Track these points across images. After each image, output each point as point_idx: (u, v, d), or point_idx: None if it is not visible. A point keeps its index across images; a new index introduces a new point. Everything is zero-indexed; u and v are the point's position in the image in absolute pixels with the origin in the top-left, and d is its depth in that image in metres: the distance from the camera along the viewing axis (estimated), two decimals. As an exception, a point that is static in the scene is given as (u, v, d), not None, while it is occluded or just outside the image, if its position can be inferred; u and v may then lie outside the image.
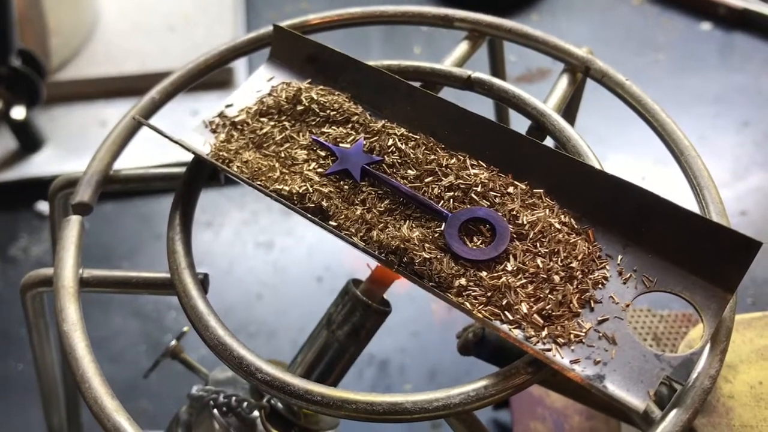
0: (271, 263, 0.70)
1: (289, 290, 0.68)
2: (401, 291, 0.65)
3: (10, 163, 0.72)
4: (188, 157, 0.34)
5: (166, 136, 0.32)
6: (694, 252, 0.28)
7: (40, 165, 0.72)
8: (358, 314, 0.34)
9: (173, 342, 0.38)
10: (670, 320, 0.50)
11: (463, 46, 0.40)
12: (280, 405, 0.36)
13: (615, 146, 0.77)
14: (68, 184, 0.35)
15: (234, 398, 0.35)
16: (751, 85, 0.84)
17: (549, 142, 0.35)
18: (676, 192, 0.37)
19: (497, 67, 0.45)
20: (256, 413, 0.35)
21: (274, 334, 0.66)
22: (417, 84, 0.38)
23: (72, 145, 0.74)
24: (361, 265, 0.74)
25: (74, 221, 0.32)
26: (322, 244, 0.71)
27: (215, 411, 0.35)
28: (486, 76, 0.37)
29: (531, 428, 0.50)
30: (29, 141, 0.71)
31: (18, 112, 0.68)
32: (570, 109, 0.42)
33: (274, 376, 0.27)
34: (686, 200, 0.33)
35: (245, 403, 0.34)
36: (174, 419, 0.37)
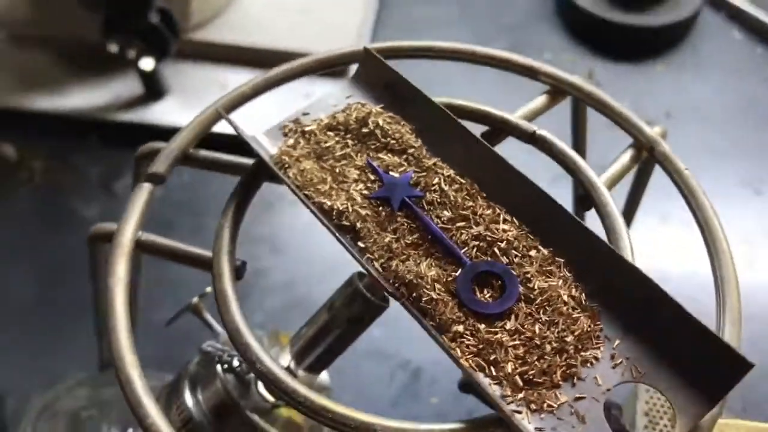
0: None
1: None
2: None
3: (133, 106, 0.78)
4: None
5: (239, 133, 0.36)
6: (688, 356, 0.29)
7: (159, 113, 0.78)
8: (356, 306, 0.36)
9: (195, 299, 0.42)
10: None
11: (541, 99, 0.41)
12: None
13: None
14: (152, 153, 0.39)
15: (236, 358, 0.38)
16: None
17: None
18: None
19: (578, 123, 0.46)
20: (252, 375, 0.38)
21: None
22: (482, 128, 0.40)
23: (192, 101, 0.79)
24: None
25: (144, 188, 0.36)
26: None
27: (218, 367, 0.38)
28: (549, 136, 0.38)
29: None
30: (154, 90, 0.78)
31: (146, 63, 0.74)
32: (636, 191, 0.42)
33: (268, 369, 0.30)
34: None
35: (244, 365, 0.38)
36: (183, 369, 0.40)
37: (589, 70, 0.86)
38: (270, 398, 0.39)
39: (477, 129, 0.40)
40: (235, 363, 0.39)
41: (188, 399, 0.39)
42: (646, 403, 0.46)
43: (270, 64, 0.78)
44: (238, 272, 0.35)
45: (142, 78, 0.76)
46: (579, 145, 0.45)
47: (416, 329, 0.31)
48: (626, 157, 0.39)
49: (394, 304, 0.38)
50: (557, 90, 0.41)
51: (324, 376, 0.42)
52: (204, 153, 0.39)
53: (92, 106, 0.79)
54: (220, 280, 0.33)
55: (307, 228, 0.76)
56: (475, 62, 0.43)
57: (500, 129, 0.39)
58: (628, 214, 0.44)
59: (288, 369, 0.39)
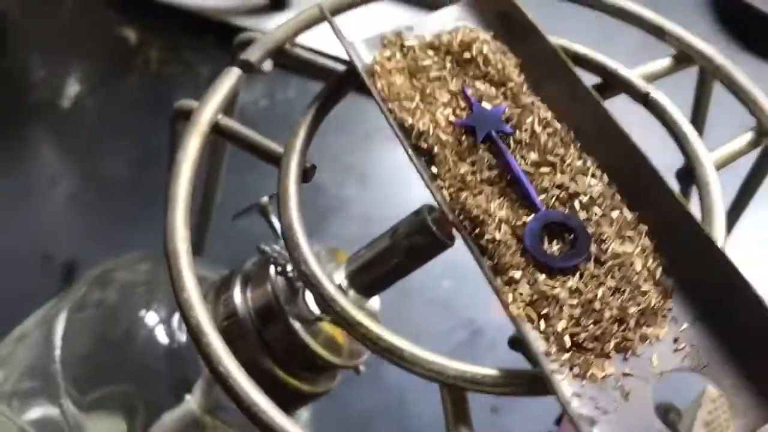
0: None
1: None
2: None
3: (254, 14, 0.78)
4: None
5: (337, 36, 0.34)
6: (761, 358, 0.26)
7: (276, 23, 0.78)
8: (419, 238, 0.34)
9: (265, 199, 0.41)
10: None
11: (665, 62, 0.38)
12: None
13: None
14: (250, 43, 0.39)
15: (290, 264, 0.37)
16: None
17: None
18: None
19: (701, 96, 0.42)
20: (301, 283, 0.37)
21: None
22: (594, 80, 0.37)
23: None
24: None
25: (232, 72, 0.35)
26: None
27: (271, 269, 0.38)
28: (664, 100, 0.35)
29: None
30: (277, 1, 0.77)
31: (274, -29, 0.74)
32: (749, 185, 0.38)
33: (312, 272, 0.29)
34: None
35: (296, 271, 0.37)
36: (239, 267, 0.40)
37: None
38: (316, 311, 0.38)
39: (588, 79, 0.37)
40: (289, 268, 0.38)
41: (236, 294, 0.39)
42: (708, 413, 0.43)
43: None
44: (306, 174, 0.34)
45: (268, -14, 0.76)
46: (698, 120, 0.41)
47: (485, 289, 0.29)
48: (744, 139, 0.35)
49: (463, 255, 0.36)
50: (684, 55, 0.38)
51: (374, 303, 0.41)
52: (299, 50, 0.38)
53: (216, 6, 0.79)
54: (286, 177, 0.32)
55: (398, 167, 0.75)
56: (602, 10, 0.40)
57: (613, 83, 0.36)
58: (736, 209, 0.41)
59: (339, 287, 0.38)
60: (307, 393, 0.40)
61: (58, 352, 0.41)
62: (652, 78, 0.37)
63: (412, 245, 0.36)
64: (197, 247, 0.53)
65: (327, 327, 0.39)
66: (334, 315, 0.28)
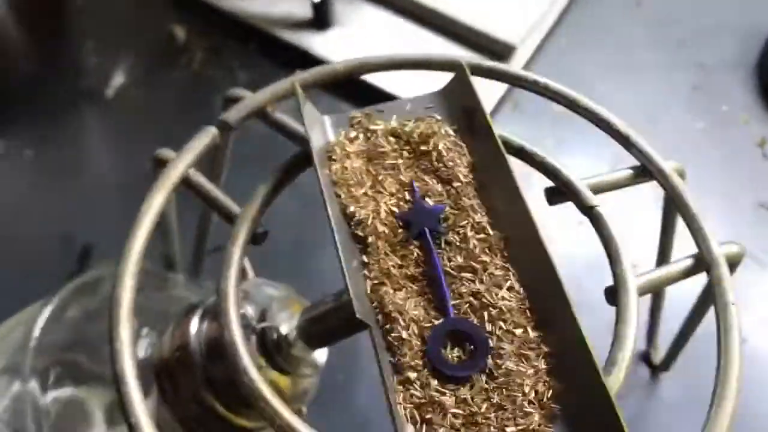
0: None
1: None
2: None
3: (297, 28, 0.81)
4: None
5: (302, 111, 0.36)
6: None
7: (318, 43, 0.80)
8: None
9: None
10: None
11: (621, 174, 0.39)
12: (269, 337, 0.40)
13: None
14: (236, 99, 0.41)
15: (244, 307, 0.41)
16: None
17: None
18: None
19: (668, 215, 0.43)
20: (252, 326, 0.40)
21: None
22: (549, 184, 0.38)
23: (352, 40, 0.81)
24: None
25: (209, 132, 0.38)
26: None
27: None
28: (604, 217, 0.36)
29: None
30: (321, 19, 0.80)
31: (319, -7, 0.76)
32: (692, 319, 0.39)
33: (233, 340, 0.32)
34: None
35: (247, 315, 0.40)
36: (205, 299, 0.43)
37: (762, 137, 0.78)
38: (258, 358, 0.41)
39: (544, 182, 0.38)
40: (242, 311, 0.41)
41: (193, 326, 0.42)
42: None
43: (434, 25, 0.77)
44: (257, 239, 0.36)
45: (313, 7, 0.79)
46: (666, 239, 0.42)
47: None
48: (680, 266, 0.36)
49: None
50: (644, 170, 0.39)
51: (320, 355, 0.44)
52: (279, 116, 0.40)
53: (263, 16, 0.82)
54: (233, 243, 0.35)
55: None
56: (578, 113, 0.41)
57: (564, 190, 0.38)
58: (677, 344, 0.41)
59: (286, 337, 0.41)
60: (249, 429, 0.43)
61: (33, 343, 0.45)
62: (605, 189, 0.38)
63: (351, 314, 0.38)
64: (194, 269, 0.56)
65: (273, 372, 0.42)
66: (242, 385, 0.31)
